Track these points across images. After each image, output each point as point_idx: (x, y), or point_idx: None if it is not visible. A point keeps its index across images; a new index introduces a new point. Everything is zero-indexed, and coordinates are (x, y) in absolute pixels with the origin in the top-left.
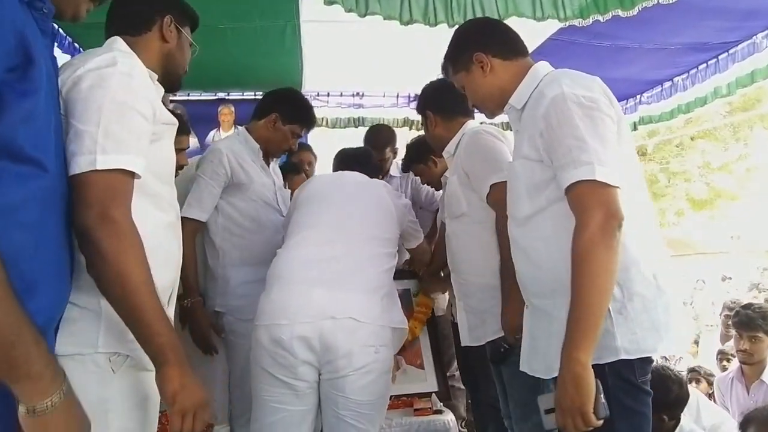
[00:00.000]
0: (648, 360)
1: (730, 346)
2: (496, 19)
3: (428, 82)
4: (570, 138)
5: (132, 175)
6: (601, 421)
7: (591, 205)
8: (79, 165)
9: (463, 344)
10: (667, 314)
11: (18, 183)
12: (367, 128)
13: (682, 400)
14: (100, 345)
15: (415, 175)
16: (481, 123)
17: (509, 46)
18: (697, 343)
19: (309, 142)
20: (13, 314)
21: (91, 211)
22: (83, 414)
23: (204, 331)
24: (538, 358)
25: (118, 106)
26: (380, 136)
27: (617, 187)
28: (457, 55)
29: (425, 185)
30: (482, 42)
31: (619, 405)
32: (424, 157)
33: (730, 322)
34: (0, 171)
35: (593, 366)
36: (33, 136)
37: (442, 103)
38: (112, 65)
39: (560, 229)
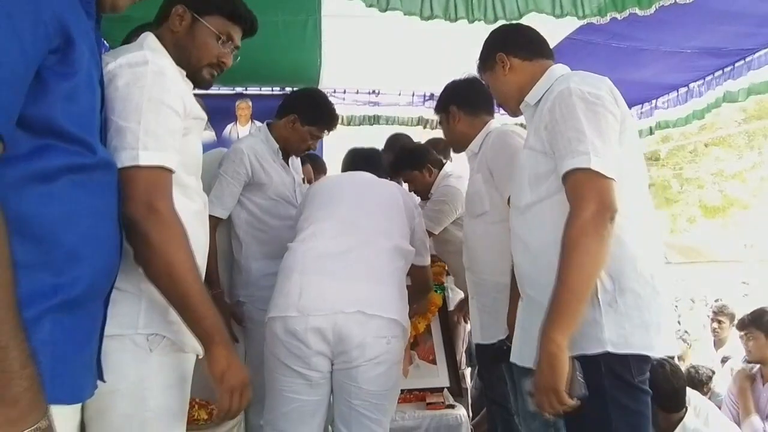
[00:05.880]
0: (644, 359)
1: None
2: (525, 25)
3: (453, 80)
4: (571, 130)
5: (169, 170)
6: (576, 400)
7: (585, 194)
8: (122, 160)
9: (474, 341)
10: (659, 316)
11: (59, 158)
12: (394, 132)
13: (681, 389)
14: (140, 326)
15: (404, 181)
16: (504, 124)
17: (530, 47)
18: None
19: (325, 139)
20: (6, 322)
21: (137, 204)
22: None
23: (225, 320)
24: (529, 349)
25: (155, 105)
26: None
27: (612, 179)
28: (485, 55)
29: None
30: (505, 43)
31: (617, 404)
32: (420, 164)
33: (716, 326)
34: (45, 147)
35: (584, 358)
36: (75, 117)
37: (467, 98)
38: (144, 64)
39: (557, 219)
